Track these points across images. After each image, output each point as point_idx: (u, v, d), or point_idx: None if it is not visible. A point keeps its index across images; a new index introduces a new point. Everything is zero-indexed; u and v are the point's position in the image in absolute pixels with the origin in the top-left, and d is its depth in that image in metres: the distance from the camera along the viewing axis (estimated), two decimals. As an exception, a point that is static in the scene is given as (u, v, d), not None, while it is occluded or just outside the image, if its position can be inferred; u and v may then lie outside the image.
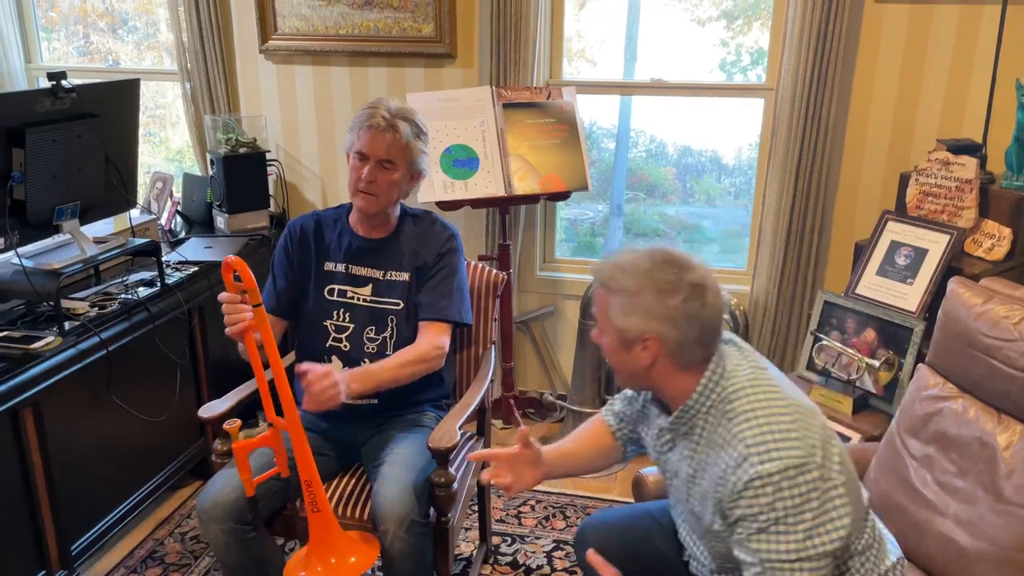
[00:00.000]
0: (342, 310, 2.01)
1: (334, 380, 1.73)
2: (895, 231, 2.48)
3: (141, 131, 2.68)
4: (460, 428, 1.95)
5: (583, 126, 2.91)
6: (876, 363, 2.32)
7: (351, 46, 3.12)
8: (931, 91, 2.71)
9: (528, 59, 2.96)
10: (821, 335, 2.49)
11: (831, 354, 2.45)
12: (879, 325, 2.38)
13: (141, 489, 2.59)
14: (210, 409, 1.95)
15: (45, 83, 2.40)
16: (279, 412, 1.73)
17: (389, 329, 1.99)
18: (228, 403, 1.97)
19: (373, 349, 2.00)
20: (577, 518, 2.70)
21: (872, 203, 2.84)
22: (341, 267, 2.03)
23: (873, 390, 2.36)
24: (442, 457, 1.83)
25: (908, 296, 2.37)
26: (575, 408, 3.03)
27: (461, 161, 2.78)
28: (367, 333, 1.99)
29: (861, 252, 2.56)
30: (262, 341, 1.69)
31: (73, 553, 2.30)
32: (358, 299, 2.00)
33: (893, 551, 1.54)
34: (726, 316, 2.97)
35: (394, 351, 1.98)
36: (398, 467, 1.84)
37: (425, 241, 2.03)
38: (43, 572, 2.19)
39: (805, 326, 2.74)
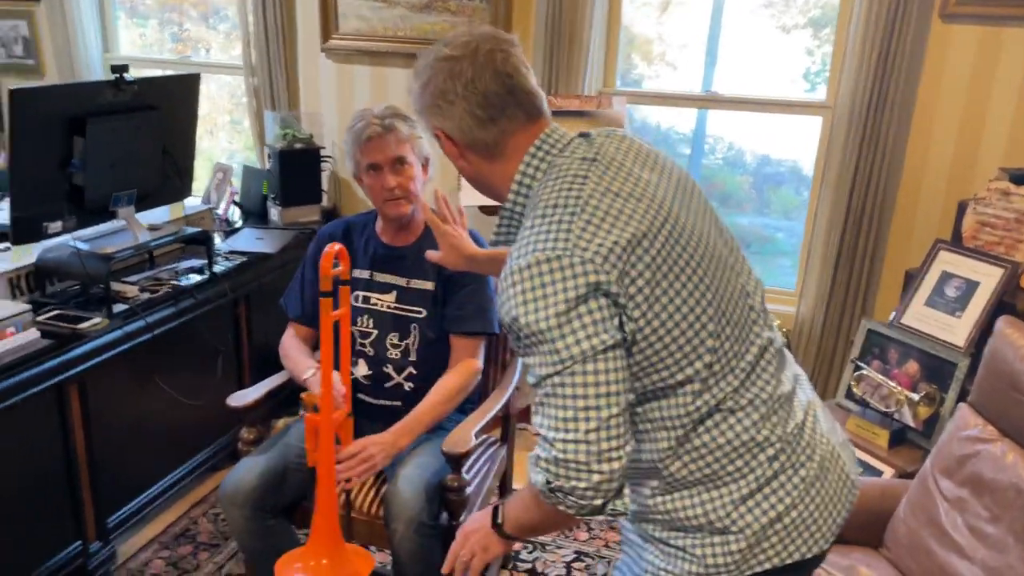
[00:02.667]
0: (366, 316, 2.04)
1: (372, 463, 1.82)
2: (947, 261, 2.38)
3: (225, 118, 2.76)
4: (482, 433, 1.96)
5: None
6: (916, 397, 2.24)
7: (408, 48, 3.17)
8: (998, 117, 2.60)
9: (580, 67, 2.95)
10: (862, 364, 2.42)
11: (871, 384, 2.38)
12: (923, 358, 2.29)
13: (179, 469, 2.69)
14: (239, 398, 2.01)
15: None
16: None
17: (412, 336, 2.02)
18: (257, 393, 2.02)
19: (396, 355, 2.02)
20: (600, 529, 2.68)
21: (928, 230, 2.73)
22: (366, 274, 2.06)
23: (912, 424, 2.27)
24: (456, 462, 1.84)
25: (956, 329, 2.28)
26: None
27: (506, 167, 2.79)
28: (390, 339, 2.02)
29: (911, 280, 2.48)
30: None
31: (109, 526, 2.40)
32: (382, 305, 2.04)
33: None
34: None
35: (417, 357, 2.01)
36: (412, 468, 1.87)
37: None
38: (79, 542, 2.29)
39: (849, 353, 2.66)
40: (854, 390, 2.41)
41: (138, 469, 2.51)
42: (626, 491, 1.15)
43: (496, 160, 1.23)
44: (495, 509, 1.29)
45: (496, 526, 1.28)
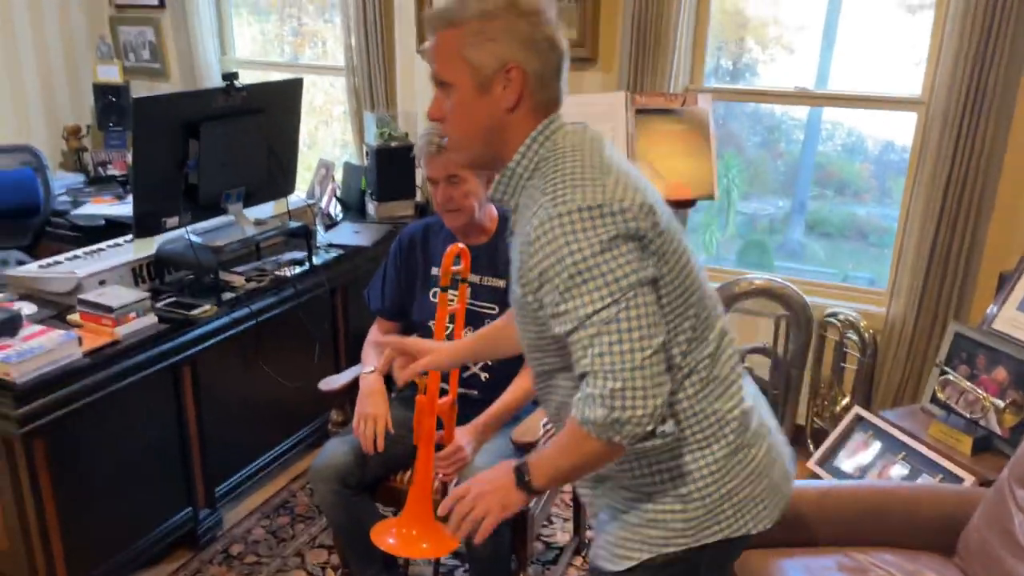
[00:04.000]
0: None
1: (465, 462, 1.97)
2: (1044, 264, 2.29)
3: (336, 112, 2.92)
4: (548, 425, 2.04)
5: (715, 134, 2.89)
6: (1002, 404, 2.18)
7: (498, 48, 3.27)
8: (1109, 112, 2.46)
9: (667, 66, 2.97)
10: (948, 368, 2.36)
11: (956, 389, 2.32)
12: (1012, 364, 2.22)
13: (279, 445, 2.91)
14: (329, 383, 2.18)
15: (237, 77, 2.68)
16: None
17: (485, 331, 2.12)
18: (345, 379, 2.18)
19: (471, 348, 2.14)
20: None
21: (1028, 231, 2.62)
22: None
23: (998, 431, 2.21)
24: (525, 450, 1.94)
25: (1049, 336, 2.19)
26: (689, 415, 3.03)
27: (589, 165, 2.85)
28: (465, 332, 2.13)
29: (1005, 283, 2.39)
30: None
31: (217, 495, 2.64)
32: (457, 301, 2.15)
33: (745, 405, 1.33)
34: (850, 335, 2.86)
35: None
36: (485, 455, 1.98)
37: None
38: (189, 508, 2.53)
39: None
40: (939, 395, 2.36)
41: (243, 444, 2.74)
42: (670, 416, 1.21)
43: (530, 116, 1.27)
44: (518, 468, 1.30)
45: (524, 483, 1.29)
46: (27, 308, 2.28)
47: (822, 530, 1.92)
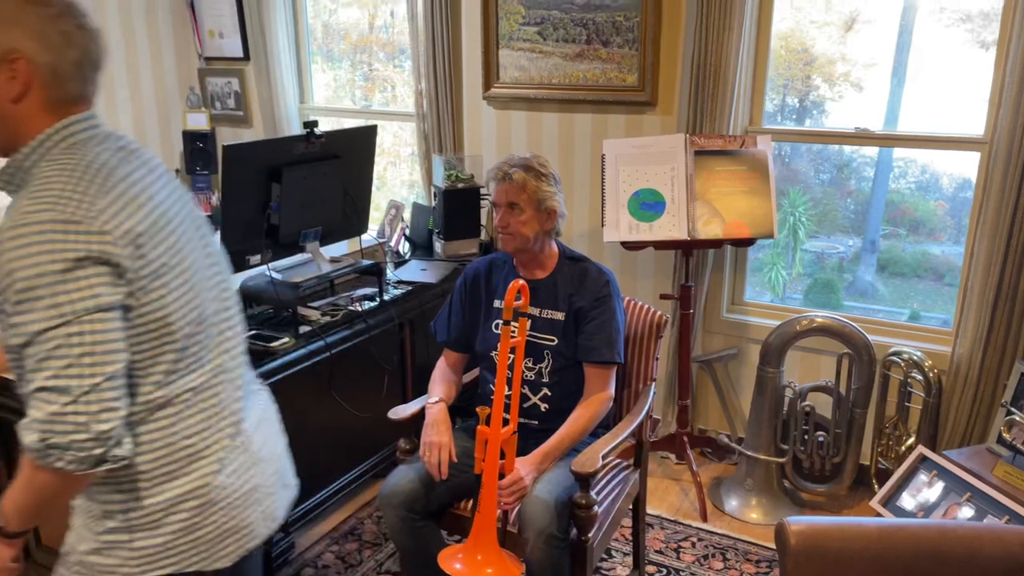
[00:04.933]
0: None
1: (523, 485, 2.04)
2: (1113, 304, 2.26)
3: (405, 153, 3.07)
4: (612, 457, 2.11)
5: (774, 174, 2.94)
6: (1070, 445, 2.15)
7: (561, 94, 3.41)
8: None
9: (726, 108, 3.05)
10: (1014, 409, 2.33)
11: (1023, 430, 2.29)
12: (1081, 405, 2.19)
13: (350, 472, 3.03)
14: (398, 412, 2.29)
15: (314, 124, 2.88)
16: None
17: (545, 361, 2.22)
18: (412, 408, 2.29)
19: (532, 377, 2.24)
20: (736, 561, 2.73)
21: (1100, 270, 2.58)
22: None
23: (1067, 474, 2.17)
24: (584, 480, 2.01)
25: (1119, 376, 2.16)
26: (749, 453, 3.04)
27: (648, 204, 2.94)
28: (526, 363, 2.23)
29: (1073, 323, 2.36)
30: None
31: (290, 519, 2.76)
32: (518, 334, 2.25)
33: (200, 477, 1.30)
34: (914, 374, 2.84)
35: (550, 380, 2.21)
36: (545, 483, 2.05)
37: (582, 285, 2.23)
38: (265, 530, 2.66)
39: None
40: (1005, 435, 2.33)
41: (316, 470, 2.87)
42: (127, 439, 1.17)
43: (43, 111, 1.21)
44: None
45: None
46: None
47: (879, 569, 1.92)
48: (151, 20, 4.26)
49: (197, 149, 4.32)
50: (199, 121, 4.35)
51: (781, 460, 3.01)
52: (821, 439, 2.96)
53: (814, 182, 3.58)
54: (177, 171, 4.40)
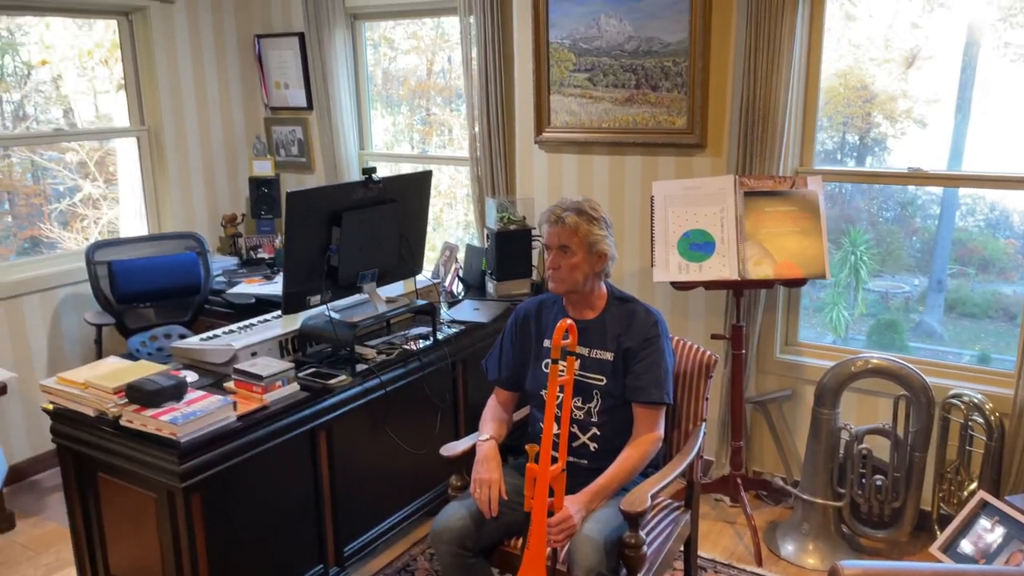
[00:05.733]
0: None
1: (572, 524, 2.05)
2: None
3: (459, 195, 3.14)
4: (662, 497, 2.11)
5: (825, 215, 2.94)
6: None
7: (611, 137, 3.48)
8: None
9: (775, 149, 3.07)
10: (1080, 453, 2.26)
11: (1090, 475, 2.22)
12: None
13: (403, 509, 3.08)
14: (449, 449, 2.34)
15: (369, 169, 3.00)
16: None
17: (594, 400, 2.25)
18: (464, 445, 2.34)
19: (581, 416, 2.27)
20: None
21: None
22: None
23: None
24: (633, 520, 2.02)
25: None
26: (805, 497, 2.99)
27: (698, 245, 2.96)
28: (575, 402, 2.26)
29: None
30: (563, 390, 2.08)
31: (346, 554, 2.82)
32: (566, 372, 2.29)
33: None
34: (975, 417, 2.78)
35: (598, 419, 2.24)
36: (595, 522, 2.07)
37: (631, 326, 2.26)
38: (321, 566, 2.72)
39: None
40: (1071, 481, 2.26)
41: (370, 506, 2.93)
42: None
43: None
44: None
45: None
46: (190, 376, 2.58)
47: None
48: (222, 74, 4.50)
49: (262, 194, 4.51)
50: (264, 168, 4.55)
51: (838, 504, 2.95)
52: (879, 483, 2.90)
53: (876, 220, 3.55)
54: (243, 216, 4.59)
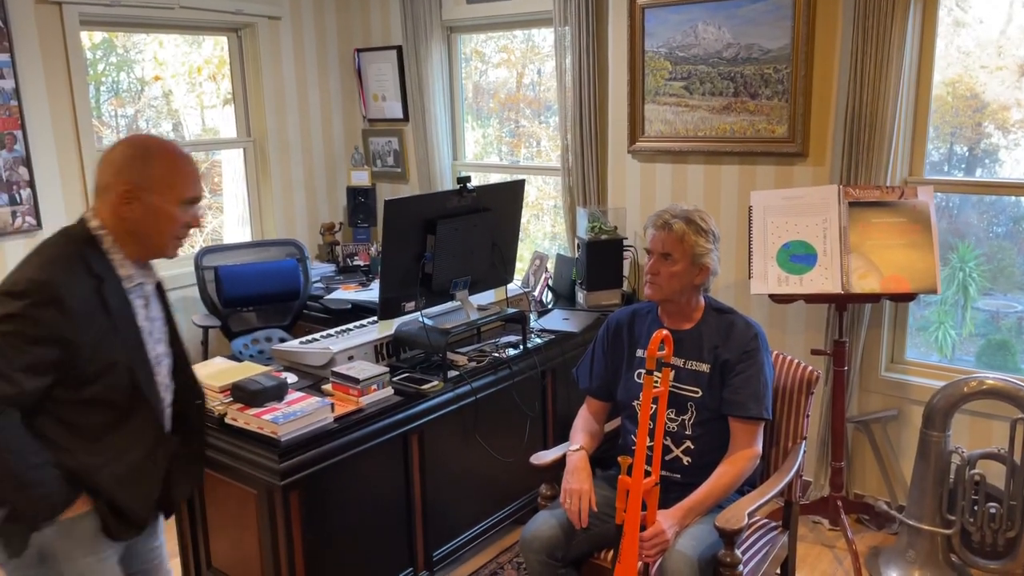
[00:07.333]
0: None
1: (665, 539, 2.01)
2: None
3: (547, 205, 3.12)
4: (759, 516, 2.05)
5: (936, 226, 2.80)
6: None
7: (707, 146, 3.41)
8: None
9: (883, 158, 2.95)
10: None
11: None
12: None
13: (491, 516, 3.09)
14: (539, 457, 2.34)
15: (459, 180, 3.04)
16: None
17: (689, 413, 2.20)
18: (554, 455, 2.33)
19: (674, 428, 2.22)
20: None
21: None
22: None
23: None
24: (728, 537, 1.96)
25: None
26: (911, 523, 2.84)
27: (799, 257, 2.87)
28: (668, 415, 2.21)
29: None
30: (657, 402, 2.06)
31: (434, 559, 2.85)
32: (660, 384, 2.25)
33: None
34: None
35: (693, 433, 2.19)
36: (688, 539, 2.02)
37: (729, 338, 2.20)
38: (410, 569, 2.76)
39: None
40: None
41: (459, 512, 2.95)
42: None
43: None
44: None
45: None
46: (290, 378, 2.67)
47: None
48: (323, 87, 4.66)
49: (359, 203, 4.63)
50: (362, 178, 4.67)
51: (948, 532, 2.79)
52: (993, 511, 2.72)
53: (987, 235, 3.37)
54: (341, 224, 4.73)
